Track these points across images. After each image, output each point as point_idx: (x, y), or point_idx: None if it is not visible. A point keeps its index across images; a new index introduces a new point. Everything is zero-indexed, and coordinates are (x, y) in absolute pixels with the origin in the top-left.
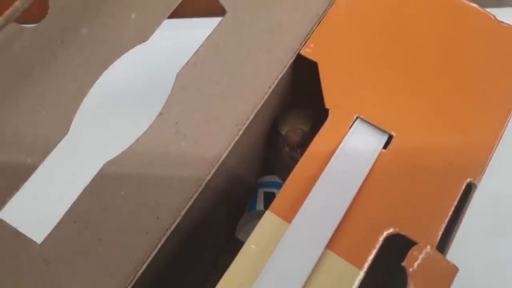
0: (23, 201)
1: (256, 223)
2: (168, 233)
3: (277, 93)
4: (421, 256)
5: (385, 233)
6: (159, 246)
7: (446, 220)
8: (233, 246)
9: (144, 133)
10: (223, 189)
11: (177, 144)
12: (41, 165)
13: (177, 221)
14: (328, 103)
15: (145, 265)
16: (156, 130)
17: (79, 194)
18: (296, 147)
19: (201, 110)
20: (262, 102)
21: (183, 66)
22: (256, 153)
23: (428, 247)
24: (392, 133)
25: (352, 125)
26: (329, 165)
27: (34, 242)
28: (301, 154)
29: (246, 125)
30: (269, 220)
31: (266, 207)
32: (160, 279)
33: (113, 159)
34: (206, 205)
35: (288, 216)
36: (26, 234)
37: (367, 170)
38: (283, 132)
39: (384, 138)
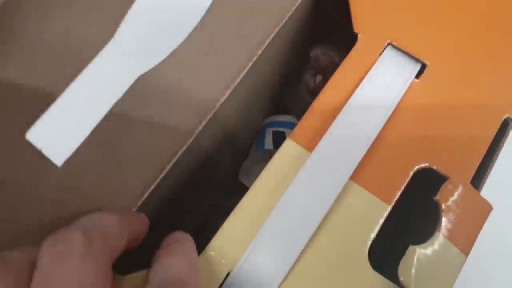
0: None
1: (263, 163)
2: (175, 159)
3: (300, 15)
4: (456, 192)
5: (416, 167)
6: (168, 167)
7: (481, 157)
8: (235, 191)
9: (177, 49)
10: (230, 123)
11: (206, 62)
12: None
13: (184, 149)
14: (357, 27)
15: (153, 186)
16: (191, 44)
17: (106, 112)
18: (322, 72)
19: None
20: (284, 20)
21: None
22: (270, 85)
23: (464, 182)
24: (426, 62)
25: (382, 52)
26: (355, 93)
27: (54, 165)
28: (325, 83)
29: (266, 44)
30: (289, 148)
31: (276, 146)
32: (161, 217)
33: (144, 75)
34: (211, 140)
35: (310, 145)
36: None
37: (397, 101)
38: (312, 54)
39: (417, 67)
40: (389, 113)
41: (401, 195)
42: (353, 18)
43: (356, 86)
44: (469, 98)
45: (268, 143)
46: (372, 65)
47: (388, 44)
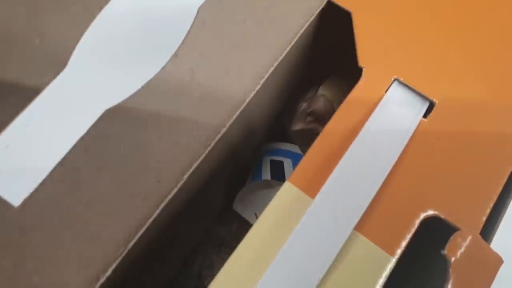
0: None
1: (259, 194)
2: (167, 200)
3: (302, 45)
4: (464, 244)
5: (422, 216)
6: (156, 213)
7: (492, 204)
8: (227, 217)
9: (154, 77)
10: (228, 151)
11: (190, 93)
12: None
13: (179, 185)
14: (362, 61)
15: (140, 233)
16: (168, 75)
17: (70, 147)
18: (317, 117)
19: (220, 55)
20: (284, 54)
21: (206, 0)
22: (272, 111)
23: (472, 234)
24: (434, 100)
25: (388, 88)
26: (360, 134)
27: (11, 206)
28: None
29: (264, 79)
30: (288, 191)
31: (273, 176)
32: (151, 248)
33: (114, 107)
34: (209, 168)
35: (310, 189)
36: (2, 195)
37: (404, 142)
38: (303, 102)
39: (425, 106)
40: (396, 157)
41: (407, 245)
42: (358, 52)
43: (361, 125)
44: (480, 141)
45: (266, 173)
46: (378, 102)
47: (395, 79)
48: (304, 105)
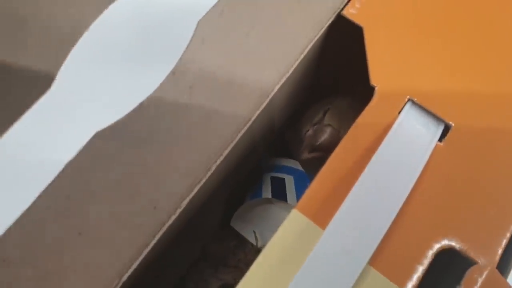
0: None
1: (259, 211)
2: (165, 227)
3: (310, 61)
4: (481, 279)
5: (436, 247)
6: (153, 243)
7: (508, 235)
8: (225, 235)
9: (149, 96)
10: (228, 170)
11: (189, 114)
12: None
13: (178, 212)
14: (374, 79)
15: (134, 266)
16: (165, 94)
17: (58, 172)
18: (324, 149)
19: (221, 73)
20: (291, 71)
21: (207, 13)
22: (274, 126)
23: (489, 268)
24: (450, 123)
25: (402, 110)
26: (373, 160)
27: None
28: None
29: (269, 97)
30: (296, 221)
31: (274, 194)
32: (145, 273)
33: (107, 128)
34: (209, 190)
35: (320, 218)
36: None
37: (419, 169)
38: (309, 125)
39: (440, 128)
40: (410, 185)
41: (421, 278)
42: (370, 69)
43: (373, 150)
44: (497, 166)
45: (266, 191)
46: (391, 124)
47: (409, 100)
48: (310, 130)
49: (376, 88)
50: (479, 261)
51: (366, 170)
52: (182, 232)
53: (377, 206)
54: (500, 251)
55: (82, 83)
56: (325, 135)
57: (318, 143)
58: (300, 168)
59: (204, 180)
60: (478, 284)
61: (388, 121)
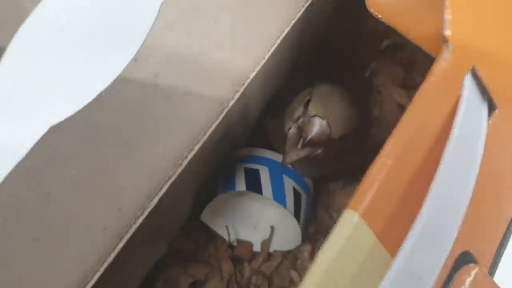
0: None
1: (232, 204)
2: (131, 230)
3: (288, 44)
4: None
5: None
6: (119, 247)
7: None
8: (194, 229)
9: (109, 86)
10: (200, 163)
11: (154, 104)
12: None
13: (145, 213)
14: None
15: (99, 274)
16: (127, 83)
17: (7, 173)
18: (314, 143)
19: (189, 60)
20: (267, 56)
21: None
22: (250, 115)
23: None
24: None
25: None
26: (443, 163)
27: None
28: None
29: (245, 86)
30: (361, 236)
31: (249, 187)
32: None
33: (64, 122)
34: (178, 186)
35: (387, 237)
36: None
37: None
38: (311, 110)
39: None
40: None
41: None
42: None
43: (440, 142)
44: None
45: (240, 183)
46: (456, 102)
47: (472, 69)
48: (293, 128)
49: (449, 44)
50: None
51: (436, 179)
52: (147, 232)
53: (453, 224)
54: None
55: (32, 71)
56: (315, 126)
57: (310, 136)
58: (275, 158)
59: (174, 178)
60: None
61: (455, 96)
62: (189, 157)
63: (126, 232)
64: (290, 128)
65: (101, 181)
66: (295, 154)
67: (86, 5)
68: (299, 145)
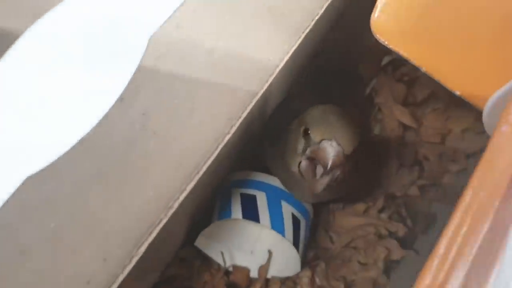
0: None
1: (228, 230)
2: (119, 280)
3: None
4: None
5: None
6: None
7: None
8: (188, 255)
9: (94, 128)
10: (192, 200)
11: (143, 145)
12: None
13: (134, 261)
14: None
15: None
16: (112, 124)
17: None
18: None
19: (180, 96)
20: (265, 87)
21: (161, 27)
22: (243, 141)
23: None
24: None
25: None
26: None
27: None
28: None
29: (240, 120)
30: None
31: (245, 214)
32: None
33: (41, 171)
34: (171, 229)
35: None
36: None
37: None
38: (315, 137)
39: None
40: None
41: None
42: None
43: None
44: None
45: (236, 211)
46: None
47: None
48: (303, 161)
49: None
50: None
51: None
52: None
53: None
54: None
55: (8, 116)
56: (330, 149)
57: (330, 161)
58: (273, 183)
59: (164, 221)
60: None
61: None
62: (180, 198)
63: (113, 282)
64: (300, 163)
65: (84, 230)
66: (320, 184)
67: (71, 42)
68: (318, 175)
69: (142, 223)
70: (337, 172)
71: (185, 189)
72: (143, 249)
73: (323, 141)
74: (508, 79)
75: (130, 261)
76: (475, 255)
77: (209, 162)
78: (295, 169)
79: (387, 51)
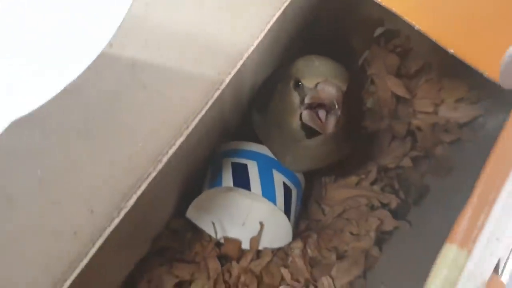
0: None
1: (218, 201)
2: (106, 233)
3: (281, 31)
4: None
5: None
6: (92, 252)
7: None
8: (178, 226)
9: (81, 75)
10: (183, 156)
11: (132, 96)
12: None
13: (122, 214)
14: None
15: (68, 282)
16: (101, 72)
17: None
18: (326, 109)
19: (171, 45)
20: (255, 44)
21: None
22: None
23: None
24: None
25: None
26: None
27: None
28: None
29: (232, 74)
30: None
31: (236, 182)
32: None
33: (28, 116)
34: (160, 184)
35: None
36: None
37: None
38: (309, 84)
39: None
40: None
41: None
42: None
43: None
44: None
45: (227, 179)
46: None
47: None
48: (304, 111)
49: None
50: None
51: None
52: (127, 230)
53: None
54: None
55: None
56: (329, 88)
57: (335, 97)
58: (264, 152)
59: (153, 174)
60: None
61: None
62: (170, 152)
63: (100, 235)
64: (300, 115)
65: (71, 180)
66: (330, 123)
67: None
68: (323, 118)
69: (130, 176)
70: (339, 111)
71: (174, 143)
72: (131, 202)
73: (319, 84)
74: (506, 37)
75: (118, 213)
76: None
77: (198, 117)
78: (296, 125)
79: (379, 22)
